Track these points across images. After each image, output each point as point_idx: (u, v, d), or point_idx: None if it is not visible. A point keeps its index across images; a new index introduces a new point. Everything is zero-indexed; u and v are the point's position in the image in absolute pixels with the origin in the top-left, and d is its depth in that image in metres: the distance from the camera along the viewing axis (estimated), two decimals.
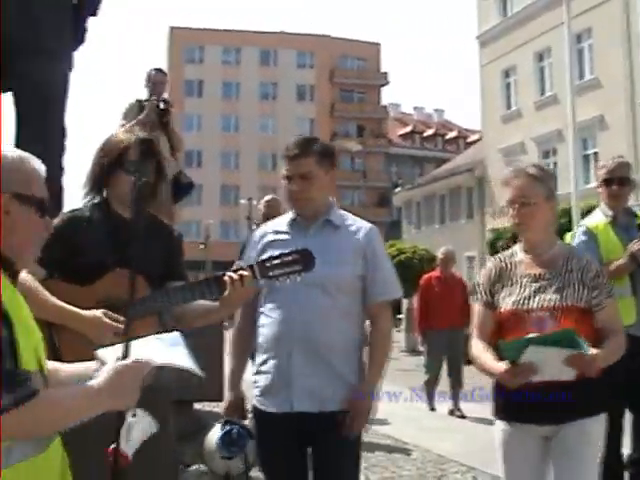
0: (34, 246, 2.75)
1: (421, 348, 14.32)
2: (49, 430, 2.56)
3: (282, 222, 4.68)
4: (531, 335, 4.06)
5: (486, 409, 13.20)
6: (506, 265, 4.46)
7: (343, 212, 4.72)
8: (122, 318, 3.61)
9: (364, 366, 4.58)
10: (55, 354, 3.34)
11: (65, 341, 3.75)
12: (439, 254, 14.09)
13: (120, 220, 4.09)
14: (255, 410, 4.55)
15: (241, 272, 3.77)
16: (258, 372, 4.55)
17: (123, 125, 10.00)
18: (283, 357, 4.38)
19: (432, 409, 13.43)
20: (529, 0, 43.45)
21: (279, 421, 4.38)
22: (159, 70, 10.80)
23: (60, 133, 8.50)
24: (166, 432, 4.16)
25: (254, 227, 15.12)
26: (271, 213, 9.49)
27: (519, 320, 4.24)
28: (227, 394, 4.72)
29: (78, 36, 8.84)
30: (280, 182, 4.53)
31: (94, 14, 8.97)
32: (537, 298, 4.27)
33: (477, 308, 4.51)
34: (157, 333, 3.70)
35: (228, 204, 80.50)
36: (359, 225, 4.63)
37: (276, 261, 3.80)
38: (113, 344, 2.93)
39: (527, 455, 4.33)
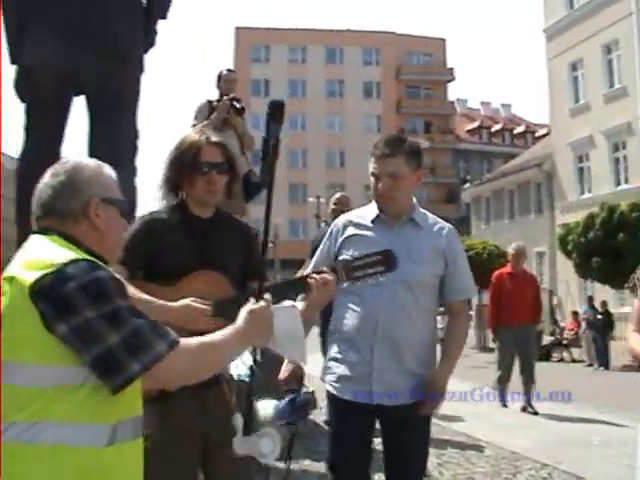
0: (120, 246, 3.09)
1: (492, 345, 14.24)
2: (195, 374, 2.87)
3: (365, 216, 4.75)
4: None
5: (559, 406, 13.24)
6: None
7: (424, 211, 4.79)
8: (210, 301, 3.68)
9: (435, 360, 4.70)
10: None
11: None
12: (510, 250, 14.04)
13: (199, 221, 4.15)
14: (330, 395, 4.67)
15: (324, 275, 3.76)
16: (335, 359, 4.65)
17: (194, 125, 10.16)
18: (365, 350, 4.48)
19: (504, 406, 13.42)
20: None
21: (355, 408, 4.49)
22: (230, 70, 11.00)
23: (133, 135, 8.66)
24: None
25: (322, 225, 15.22)
26: (341, 210, 9.57)
27: None
28: (285, 365, 4.75)
29: (148, 39, 8.99)
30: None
31: (164, 17, 9.12)
32: None
33: (636, 304, 4.52)
34: None
35: (296, 202, 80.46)
36: (440, 225, 4.72)
37: (359, 262, 3.82)
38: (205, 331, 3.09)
39: None
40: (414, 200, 4.76)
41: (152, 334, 2.65)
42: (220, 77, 10.61)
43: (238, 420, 3.37)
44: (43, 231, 2.89)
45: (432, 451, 8.19)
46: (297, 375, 4.74)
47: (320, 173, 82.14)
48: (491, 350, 29.25)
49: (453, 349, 4.72)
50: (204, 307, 3.71)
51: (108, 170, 3.04)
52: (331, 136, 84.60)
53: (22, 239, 9.12)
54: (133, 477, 2.79)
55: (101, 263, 2.76)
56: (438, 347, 4.66)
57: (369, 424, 4.58)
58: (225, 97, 10.29)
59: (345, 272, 3.80)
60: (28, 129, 8.52)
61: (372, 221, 4.67)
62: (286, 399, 4.35)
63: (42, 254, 2.71)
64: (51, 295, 2.57)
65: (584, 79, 44.86)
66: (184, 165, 4.15)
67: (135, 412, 2.80)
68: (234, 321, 3.28)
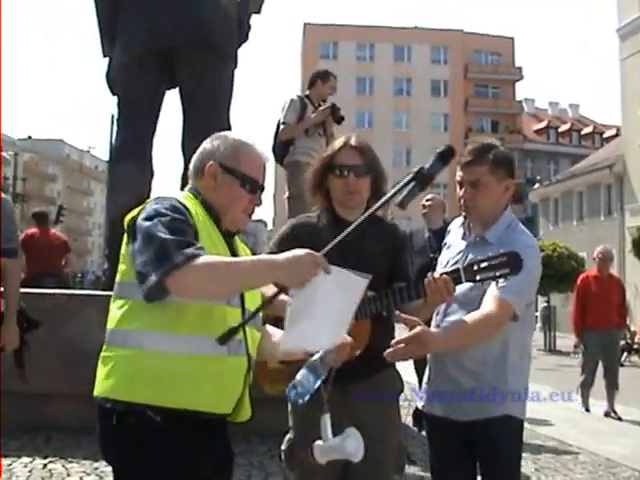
0: (236, 211, 3.37)
1: (559, 347, 14.11)
2: (219, 287, 3.03)
3: (458, 230, 4.61)
4: None
5: (638, 412, 13.06)
6: None
7: (512, 225, 4.38)
8: None
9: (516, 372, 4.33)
10: None
11: None
12: (597, 253, 13.89)
13: (344, 224, 4.03)
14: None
15: (445, 277, 3.74)
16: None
17: (283, 123, 10.20)
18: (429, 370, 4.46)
19: (587, 410, 13.35)
20: None
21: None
22: (335, 77, 10.93)
23: (227, 130, 8.73)
24: (396, 423, 4.41)
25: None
26: (432, 215, 9.71)
27: None
28: None
29: (242, 35, 9.07)
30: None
31: (258, 12, 9.20)
32: None
33: None
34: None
35: None
36: (511, 244, 3.98)
37: (483, 264, 3.70)
38: None
39: None
40: (501, 213, 4.37)
41: (174, 248, 2.92)
42: (323, 78, 10.57)
43: (327, 423, 3.44)
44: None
45: (527, 456, 8.23)
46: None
47: (386, 171, 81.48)
48: (559, 353, 29.12)
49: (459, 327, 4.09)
50: None
51: (248, 148, 3.42)
52: (398, 134, 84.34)
53: (110, 225, 9.17)
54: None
55: (207, 213, 3.28)
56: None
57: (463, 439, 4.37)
58: (328, 104, 10.35)
59: (466, 275, 3.73)
60: (119, 121, 8.66)
61: (462, 237, 4.52)
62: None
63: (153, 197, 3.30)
64: (135, 223, 3.14)
65: None
66: (325, 168, 4.26)
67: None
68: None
